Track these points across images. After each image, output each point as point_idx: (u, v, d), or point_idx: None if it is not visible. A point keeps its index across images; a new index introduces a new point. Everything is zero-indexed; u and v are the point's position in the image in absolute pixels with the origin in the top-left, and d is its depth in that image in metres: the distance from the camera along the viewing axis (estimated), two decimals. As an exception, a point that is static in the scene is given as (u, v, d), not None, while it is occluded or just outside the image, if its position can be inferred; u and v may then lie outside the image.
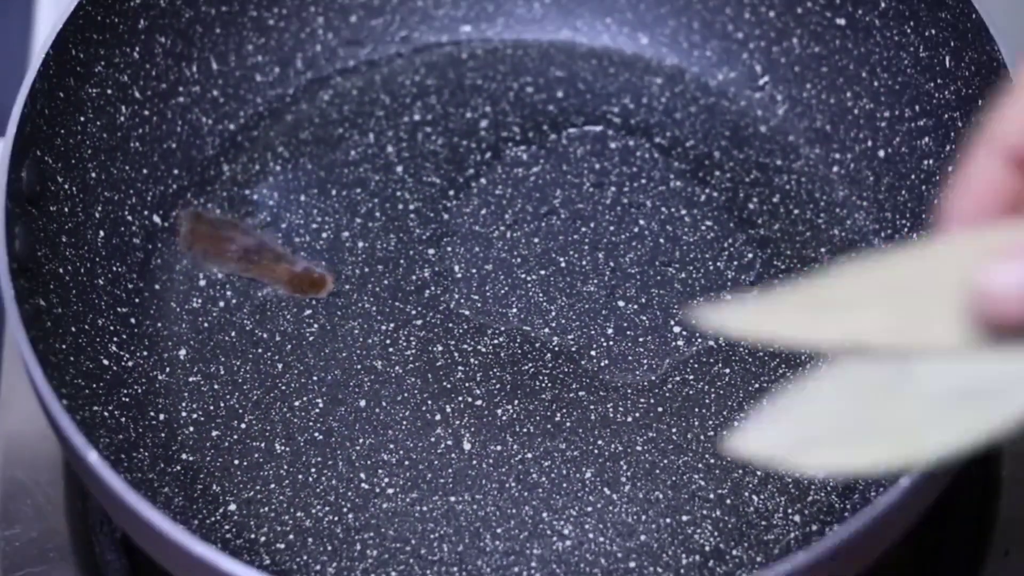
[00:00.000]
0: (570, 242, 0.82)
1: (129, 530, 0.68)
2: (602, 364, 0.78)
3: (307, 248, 0.82)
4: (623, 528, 0.73)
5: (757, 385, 0.77)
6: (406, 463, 0.75)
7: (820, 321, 0.51)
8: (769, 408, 0.52)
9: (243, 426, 0.77)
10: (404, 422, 0.77)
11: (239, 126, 0.87)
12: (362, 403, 0.77)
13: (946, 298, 0.51)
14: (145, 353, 0.79)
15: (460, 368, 0.78)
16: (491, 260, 0.82)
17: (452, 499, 0.74)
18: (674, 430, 0.76)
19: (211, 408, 0.77)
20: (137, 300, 0.81)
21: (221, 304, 0.80)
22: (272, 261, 0.80)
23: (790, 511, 0.74)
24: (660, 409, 0.76)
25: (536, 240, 0.83)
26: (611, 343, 0.79)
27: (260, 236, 0.81)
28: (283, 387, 0.78)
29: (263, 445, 0.76)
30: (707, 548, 0.73)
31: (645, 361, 0.78)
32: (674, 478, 0.75)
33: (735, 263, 0.81)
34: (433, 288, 0.81)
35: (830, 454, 0.51)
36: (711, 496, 0.74)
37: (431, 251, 0.82)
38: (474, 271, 0.81)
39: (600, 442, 0.76)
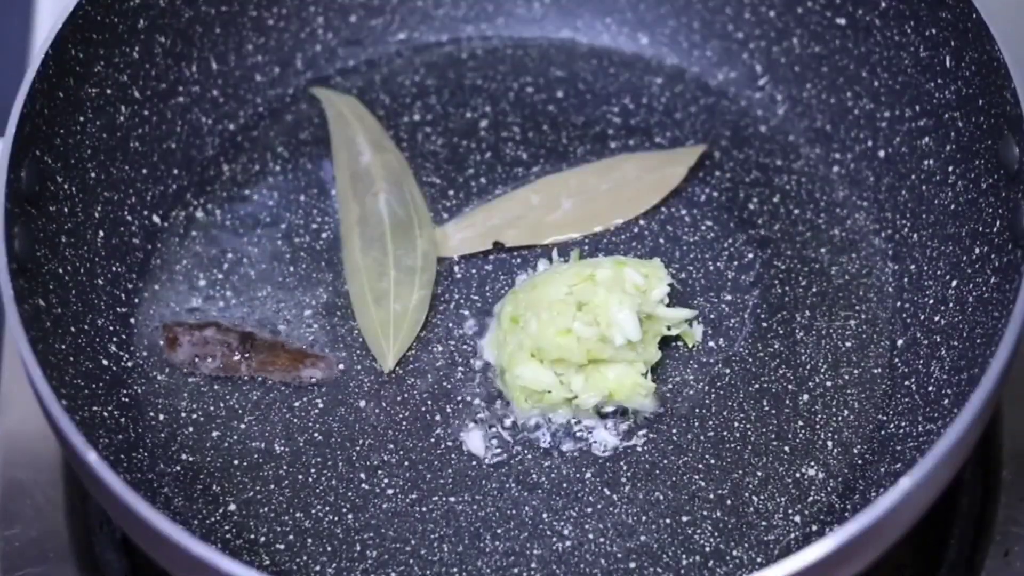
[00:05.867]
0: (571, 241, 0.82)
1: (129, 530, 0.68)
2: (602, 364, 0.78)
3: (307, 248, 0.82)
4: (623, 528, 0.73)
5: (757, 385, 0.77)
6: (406, 463, 0.75)
7: None
8: None
9: (243, 426, 0.77)
10: (404, 422, 0.77)
11: (239, 126, 0.87)
12: (362, 403, 0.77)
13: None
14: (145, 353, 0.79)
15: (460, 368, 0.78)
16: (491, 260, 0.82)
17: (452, 499, 0.74)
18: (674, 430, 0.76)
19: (211, 408, 0.77)
20: (137, 300, 0.81)
21: (221, 304, 0.80)
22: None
23: (790, 512, 0.74)
24: (660, 410, 0.76)
25: (536, 240, 0.83)
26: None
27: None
28: (283, 387, 0.78)
29: (263, 445, 0.76)
30: (707, 548, 0.73)
31: (645, 361, 0.78)
32: (674, 478, 0.75)
33: (735, 263, 0.81)
34: (433, 287, 0.80)
35: None
36: (711, 496, 0.74)
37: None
38: (474, 271, 0.81)
39: (600, 442, 0.76)
